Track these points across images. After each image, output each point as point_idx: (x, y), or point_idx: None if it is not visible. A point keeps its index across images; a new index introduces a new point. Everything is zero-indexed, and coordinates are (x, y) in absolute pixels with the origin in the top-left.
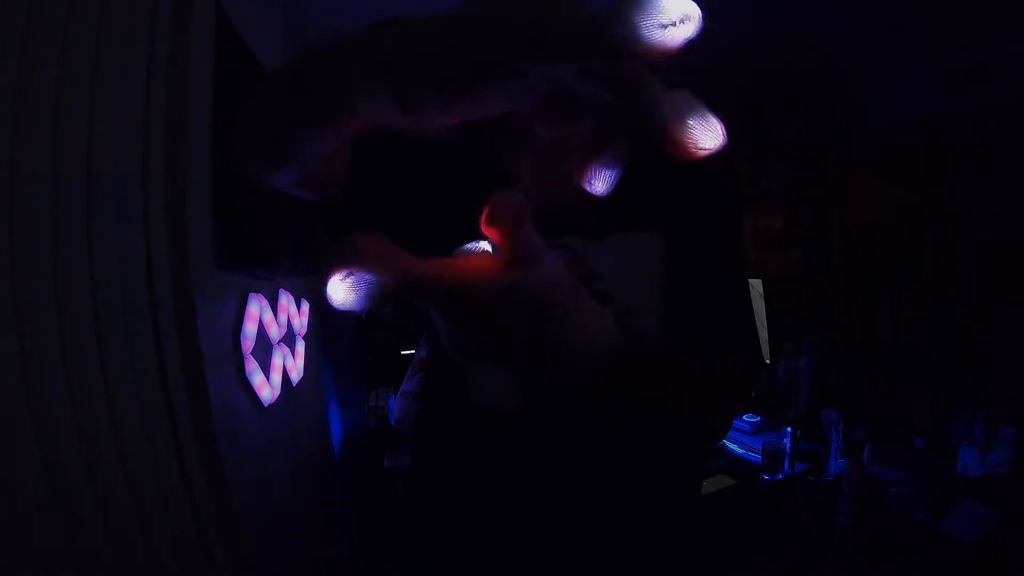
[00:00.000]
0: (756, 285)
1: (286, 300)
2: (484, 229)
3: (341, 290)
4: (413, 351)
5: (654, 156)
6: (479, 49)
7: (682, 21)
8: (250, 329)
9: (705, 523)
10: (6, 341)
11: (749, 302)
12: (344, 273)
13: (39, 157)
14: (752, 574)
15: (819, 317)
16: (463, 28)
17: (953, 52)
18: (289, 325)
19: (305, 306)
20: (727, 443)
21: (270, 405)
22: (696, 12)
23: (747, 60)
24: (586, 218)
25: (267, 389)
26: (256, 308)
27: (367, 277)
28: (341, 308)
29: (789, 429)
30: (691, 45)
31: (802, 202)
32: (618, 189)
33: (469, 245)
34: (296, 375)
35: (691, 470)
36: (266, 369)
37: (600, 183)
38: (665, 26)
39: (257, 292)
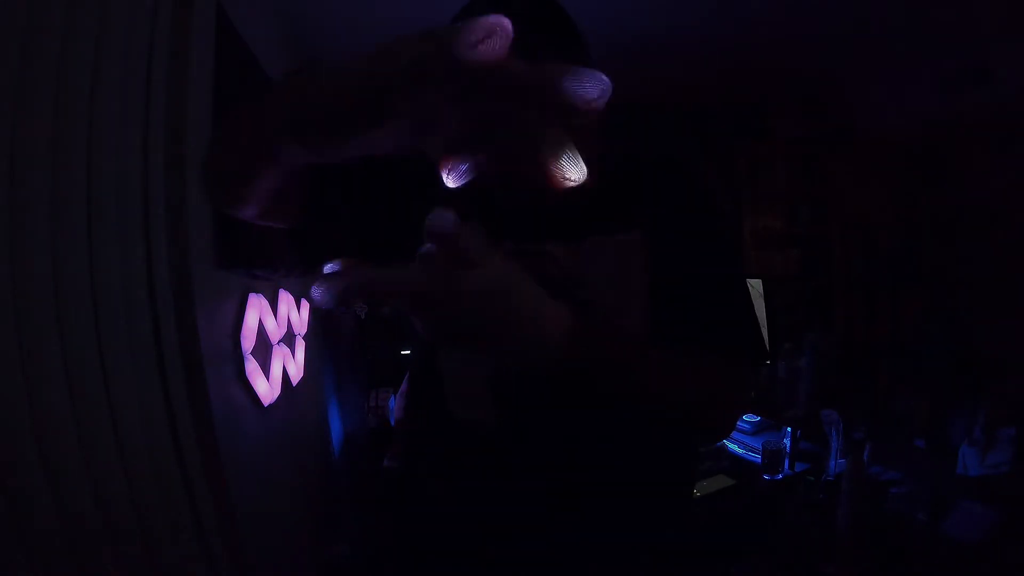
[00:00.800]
0: (756, 285)
1: (286, 300)
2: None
3: (317, 293)
4: None
5: (630, 159)
6: (360, 92)
7: (489, 35)
8: (250, 329)
9: (705, 523)
10: (6, 341)
11: (743, 296)
12: (321, 281)
13: (39, 157)
14: (752, 574)
15: (819, 317)
16: (349, 76)
17: (953, 52)
18: (289, 325)
19: (305, 306)
20: (727, 443)
21: (270, 405)
22: (504, 25)
23: (747, 60)
24: (564, 222)
25: (267, 389)
26: (256, 308)
27: (337, 284)
28: (319, 306)
29: (789, 429)
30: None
31: (802, 202)
32: (597, 191)
33: (422, 249)
34: (296, 375)
35: (682, 470)
36: (266, 369)
37: (455, 178)
38: (474, 42)
39: (257, 292)
